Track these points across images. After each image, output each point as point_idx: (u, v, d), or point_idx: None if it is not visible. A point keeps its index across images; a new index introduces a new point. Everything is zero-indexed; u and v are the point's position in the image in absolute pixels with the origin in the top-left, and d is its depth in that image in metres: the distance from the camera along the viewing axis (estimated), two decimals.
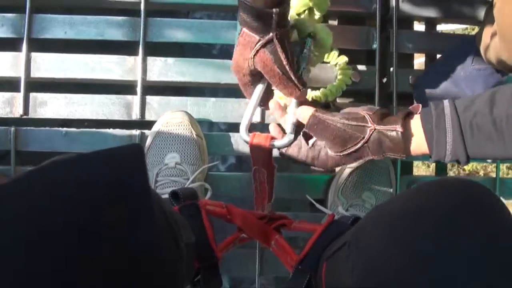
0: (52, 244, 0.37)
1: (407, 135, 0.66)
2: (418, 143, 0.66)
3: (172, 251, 0.55)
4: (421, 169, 1.87)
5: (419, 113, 0.66)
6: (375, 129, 0.67)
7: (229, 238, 0.78)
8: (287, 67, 0.66)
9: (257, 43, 0.65)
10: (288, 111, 0.75)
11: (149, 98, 0.92)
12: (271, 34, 0.65)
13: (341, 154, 0.69)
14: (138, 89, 0.91)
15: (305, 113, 0.71)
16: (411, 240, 0.44)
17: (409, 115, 0.67)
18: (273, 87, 0.73)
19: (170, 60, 0.93)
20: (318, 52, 0.79)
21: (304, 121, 0.71)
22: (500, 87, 0.66)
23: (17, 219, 0.38)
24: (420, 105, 0.70)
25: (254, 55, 0.66)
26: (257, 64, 0.67)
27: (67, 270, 0.37)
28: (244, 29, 0.66)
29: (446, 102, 0.65)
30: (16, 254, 0.36)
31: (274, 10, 0.63)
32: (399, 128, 0.65)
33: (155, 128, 0.88)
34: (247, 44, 0.66)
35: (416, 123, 0.66)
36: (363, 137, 0.67)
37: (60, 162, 0.43)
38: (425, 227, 0.44)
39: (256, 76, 0.71)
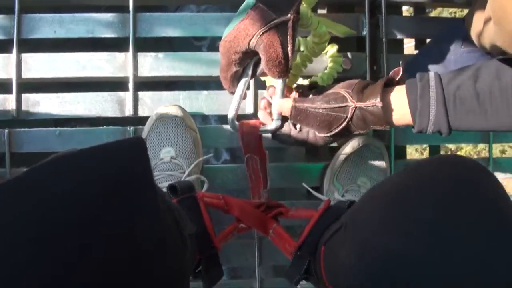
0: (51, 246, 0.36)
1: (386, 107, 0.67)
2: (402, 114, 0.68)
3: (178, 241, 0.55)
4: (414, 157, 1.88)
5: (405, 84, 0.68)
6: (356, 107, 0.68)
7: (228, 228, 0.79)
8: (289, 52, 0.66)
9: (271, 21, 0.64)
10: (273, 100, 0.76)
11: (141, 94, 0.92)
12: (289, 15, 0.64)
13: (328, 135, 0.70)
14: (130, 85, 0.92)
15: (286, 106, 0.72)
16: (404, 220, 0.45)
17: (388, 85, 0.69)
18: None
19: (161, 55, 0.93)
20: (317, 45, 0.79)
21: (287, 114, 0.72)
22: (485, 61, 0.67)
23: (15, 221, 0.37)
24: (401, 68, 0.72)
25: (263, 33, 0.65)
26: (263, 41, 0.65)
27: (67, 274, 0.36)
28: (260, 4, 0.64)
29: (431, 74, 0.66)
30: (13, 259, 0.35)
31: None
32: (378, 103, 0.66)
33: (149, 123, 0.88)
34: (259, 20, 0.64)
35: (400, 94, 0.68)
36: (346, 117, 0.68)
37: (59, 159, 0.42)
38: (417, 206, 0.45)
39: (246, 55, 0.69)
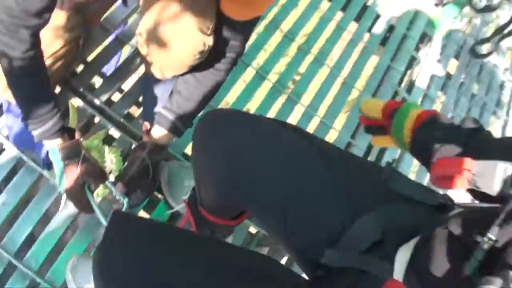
0: None
1: (155, 139, 1.21)
2: (169, 138, 1.23)
3: None
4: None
5: (156, 125, 1.21)
6: (145, 154, 1.21)
7: None
8: (96, 165, 1.14)
9: (78, 162, 1.09)
10: (114, 192, 1.21)
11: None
12: (83, 152, 1.10)
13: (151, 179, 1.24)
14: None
15: (119, 189, 1.20)
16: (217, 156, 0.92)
17: (149, 131, 1.23)
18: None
19: None
20: (99, 152, 1.27)
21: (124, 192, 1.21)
22: (178, 80, 1.20)
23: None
24: (147, 123, 1.24)
25: (80, 169, 1.09)
26: (84, 172, 1.10)
27: None
28: (67, 161, 1.09)
29: (160, 109, 1.21)
30: None
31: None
32: (151, 142, 1.22)
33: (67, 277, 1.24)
34: (72, 168, 1.09)
35: (160, 130, 1.21)
36: (148, 164, 1.22)
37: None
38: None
39: (82, 187, 1.12)
